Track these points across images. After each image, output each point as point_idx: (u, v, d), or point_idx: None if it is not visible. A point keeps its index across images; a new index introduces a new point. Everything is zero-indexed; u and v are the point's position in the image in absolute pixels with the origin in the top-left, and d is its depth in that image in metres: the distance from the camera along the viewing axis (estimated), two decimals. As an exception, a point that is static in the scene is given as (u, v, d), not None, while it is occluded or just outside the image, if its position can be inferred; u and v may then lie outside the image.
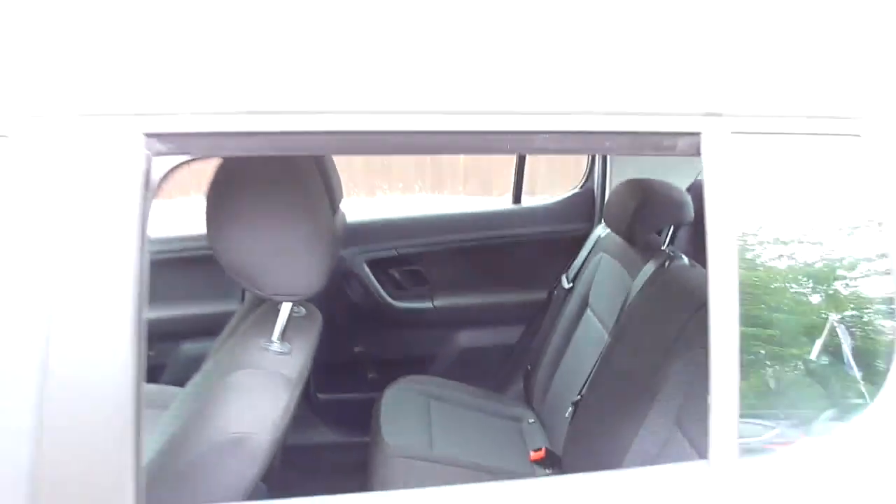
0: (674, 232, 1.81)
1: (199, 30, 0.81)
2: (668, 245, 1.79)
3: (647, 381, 1.36)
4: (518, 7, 0.85)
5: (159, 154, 0.78)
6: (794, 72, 0.89)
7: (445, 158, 4.44)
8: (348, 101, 0.79)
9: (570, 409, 1.74)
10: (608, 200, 1.98)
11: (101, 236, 0.74)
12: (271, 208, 0.98)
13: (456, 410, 1.99)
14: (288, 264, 0.99)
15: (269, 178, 0.98)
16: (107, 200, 0.75)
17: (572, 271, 2.10)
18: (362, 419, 1.93)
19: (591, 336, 1.87)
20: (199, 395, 1.01)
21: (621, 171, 2.18)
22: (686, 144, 0.83)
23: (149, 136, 0.77)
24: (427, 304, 2.27)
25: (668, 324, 1.41)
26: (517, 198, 2.36)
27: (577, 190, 2.37)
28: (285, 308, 1.04)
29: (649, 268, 1.70)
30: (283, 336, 1.06)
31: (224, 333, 1.35)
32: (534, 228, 2.33)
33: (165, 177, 0.80)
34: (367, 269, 2.21)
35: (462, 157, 4.33)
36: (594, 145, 0.87)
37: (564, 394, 1.85)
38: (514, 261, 2.29)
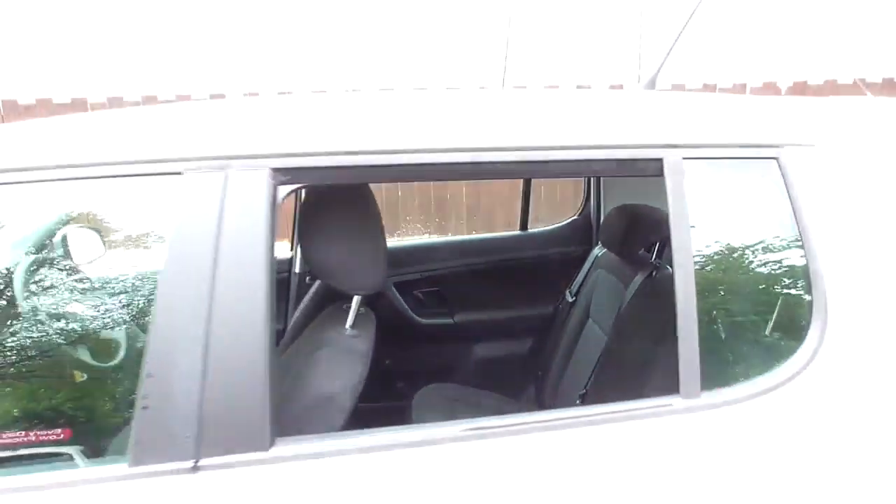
0: (661, 247, 2.13)
1: (306, 103, 1.15)
2: (655, 258, 2.10)
3: (640, 372, 1.66)
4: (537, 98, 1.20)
5: (281, 183, 1.11)
6: (728, 114, 1.24)
7: (451, 201, 4.80)
8: (409, 143, 1.13)
9: (578, 401, 2.04)
10: (602, 224, 2.30)
11: (245, 242, 1.07)
12: (348, 224, 1.31)
13: (477, 413, 2.28)
14: (360, 266, 1.32)
15: (346, 201, 1.31)
16: (248, 215, 1.08)
17: (574, 286, 2.41)
18: (394, 424, 2.22)
19: (593, 341, 2.17)
20: (295, 365, 1.33)
21: (611, 200, 2.51)
22: (653, 167, 1.16)
23: (274, 170, 1.10)
24: (448, 321, 2.57)
25: (654, 323, 1.72)
26: (524, 225, 2.69)
27: (575, 217, 2.70)
28: (356, 300, 1.37)
29: (639, 278, 2.01)
30: (353, 325, 1.38)
31: (296, 324, 1.66)
32: (539, 251, 2.65)
33: (284, 199, 1.13)
34: (394, 290, 2.53)
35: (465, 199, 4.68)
36: (589, 169, 1.20)
37: (572, 391, 2.14)
38: (523, 280, 2.60)
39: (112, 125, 1.15)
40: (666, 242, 2.14)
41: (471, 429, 1.08)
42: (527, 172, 1.30)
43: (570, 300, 2.40)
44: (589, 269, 2.39)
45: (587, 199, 2.66)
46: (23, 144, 1.11)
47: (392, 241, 2.63)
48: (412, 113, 1.18)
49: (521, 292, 2.58)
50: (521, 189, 2.74)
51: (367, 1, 9.26)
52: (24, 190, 1.10)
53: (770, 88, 9.51)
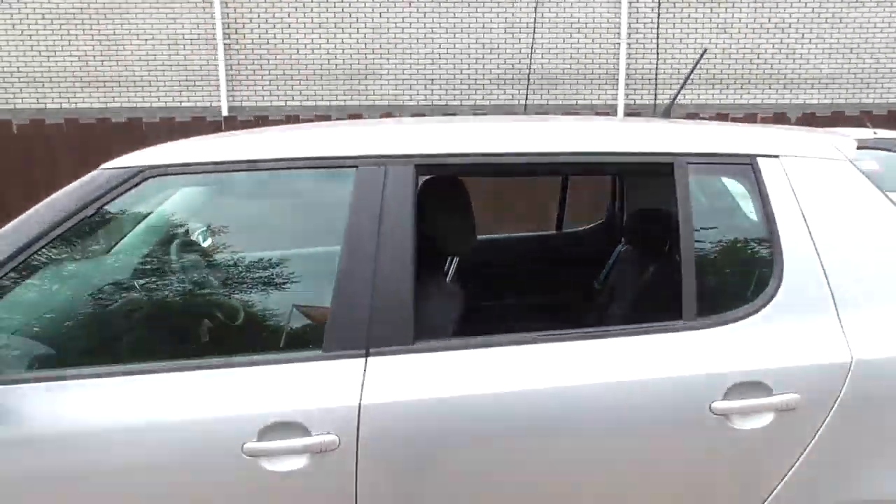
0: (670, 239, 2.68)
1: (433, 122, 1.74)
2: (668, 250, 2.66)
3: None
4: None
5: (420, 174, 1.70)
6: (718, 134, 1.81)
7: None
8: (505, 148, 1.71)
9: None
10: (625, 226, 2.87)
11: (398, 210, 1.65)
12: (452, 205, 1.89)
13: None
14: (459, 234, 1.90)
15: (450, 190, 1.89)
16: (400, 194, 1.66)
17: (602, 277, 2.97)
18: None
19: (615, 319, 2.71)
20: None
21: (632, 206, 3.07)
22: (666, 169, 1.74)
23: (417, 165, 1.69)
24: (498, 302, 3.13)
25: (663, 295, 2.26)
26: (559, 226, 3.26)
27: (602, 221, 3.26)
28: (455, 261, 1.94)
29: (653, 268, 2.56)
30: (451, 279, 1.96)
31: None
32: (573, 248, 3.21)
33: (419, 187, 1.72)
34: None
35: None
36: (626, 169, 1.78)
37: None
38: (558, 271, 3.16)
39: (316, 134, 1.74)
40: (674, 235, 2.70)
41: (540, 336, 1.65)
42: (588, 170, 1.91)
43: (598, 288, 2.96)
44: (614, 263, 2.94)
45: (612, 206, 3.22)
46: (266, 145, 1.72)
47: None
48: (505, 128, 1.77)
49: (556, 281, 3.13)
50: (558, 196, 3.30)
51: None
52: (263, 176, 1.70)
53: (781, 118, 10.04)
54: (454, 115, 9.64)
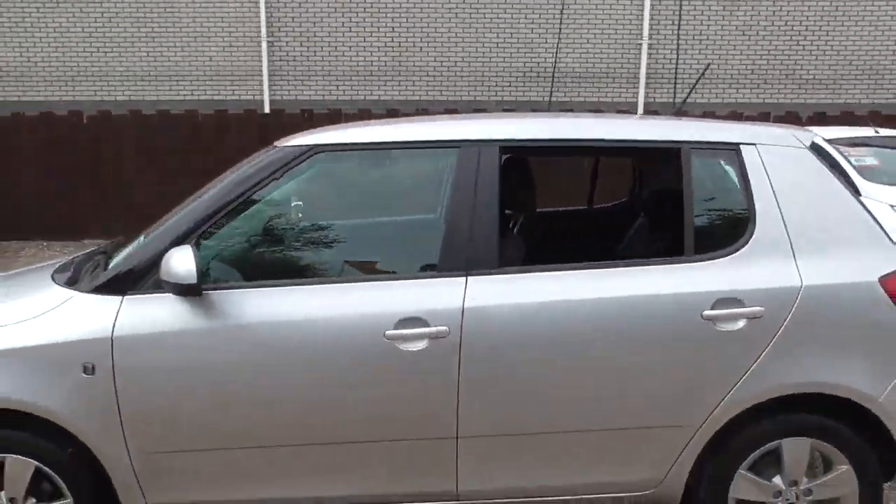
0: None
1: (511, 116, 2.50)
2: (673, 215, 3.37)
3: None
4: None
5: (503, 153, 2.45)
6: (713, 127, 2.55)
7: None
8: (555, 136, 2.47)
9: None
10: (643, 204, 3.58)
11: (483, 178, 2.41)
12: (526, 177, 2.65)
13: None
14: (525, 198, 2.67)
15: (522, 165, 2.65)
16: (489, 166, 2.42)
17: (623, 245, 3.69)
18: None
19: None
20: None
21: (647, 188, 3.79)
22: (675, 153, 2.48)
23: (501, 148, 2.44)
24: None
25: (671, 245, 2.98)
26: (590, 202, 3.99)
27: (627, 198, 3.98)
28: (521, 219, 2.70)
29: (668, 234, 3.28)
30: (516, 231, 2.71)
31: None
32: (602, 221, 3.92)
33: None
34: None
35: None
36: (644, 152, 2.52)
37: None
38: (589, 239, 3.87)
39: (430, 124, 2.51)
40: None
41: (581, 265, 2.41)
42: (619, 153, 2.69)
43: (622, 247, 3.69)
44: (633, 234, 3.66)
45: (633, 187, 3.93)
46: (399, 131, 2.48)
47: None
48: (559, 121, 2.52)
49: (586, 247, 3.84)
50: (589, 178, 4.02)
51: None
52: (398, 152, 2.48)
53: (793, 118, 10.67)
54: (511, 110, 10.42)
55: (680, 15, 12.28)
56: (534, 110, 12.01)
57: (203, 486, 2.47)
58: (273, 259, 2.59)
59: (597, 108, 12.30)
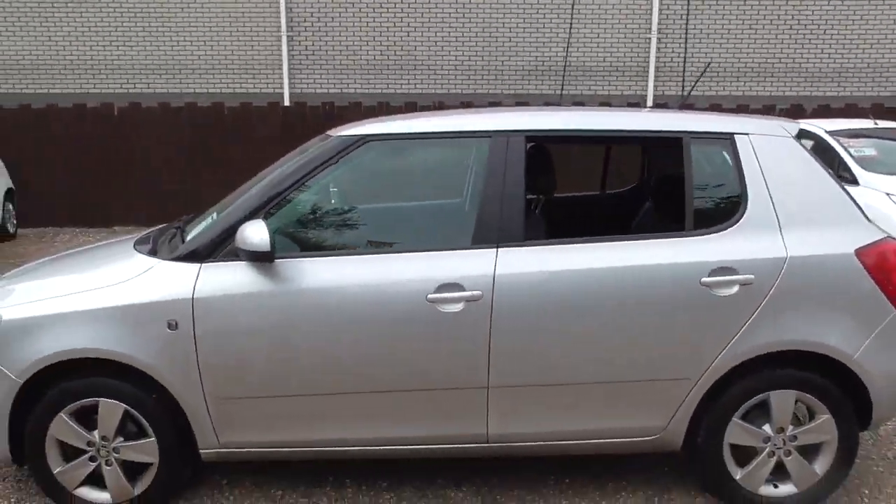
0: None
1: (533, 110, 2.87)
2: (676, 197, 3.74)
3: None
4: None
5: (528, 142, 2.83)
6: (711, 119, 2.92)
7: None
8: (572, 126, 2.85)
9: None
10: (653, 189, 3.95)
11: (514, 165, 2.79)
12: (547, 162, 3.03)
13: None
14: (546, 181, 3.04)
15: (544, 154, 3.03)
16: (516, 155, 2.80)
17: (633, 225, 4.06)
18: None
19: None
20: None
21: (656, 175, 4.15)
22: (676, 142, 2.85)
23: (526, 137, 2.82)
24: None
25: (674, 221, 3.36)
26: (602, 187, 4.36)
27: (636, 184, 4.34)
28: (541, 200, 3.07)
29: (671, 212, 3.65)
30: (537, 211, 3.09)
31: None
32: (614, 204, 4.29)
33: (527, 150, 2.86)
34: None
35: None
36: (650, 142, 2.88)
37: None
38: (603, 221, 4.24)
39: (466, 116, 2.88)
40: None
41: (595, 238, 2.78)
42: (630, 142, 3.06)
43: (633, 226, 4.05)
44: (642, 216, 4.03)
45: (642, 175, 4.29)
46: (437, 123, 2.87)
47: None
48: (576, 113, 2.89)
49: (599, 224, 4.19)
50: (601, 164, 4.39)
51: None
52: (437, 141, 2.86)
53: (798, 111, 10.96)
54: (525, 103, 10.73)
55: (688, 9, 12.56)
56: (547, 103, 12.37)
57: (267, 428, 2.86)
58: (330, 233, 3.00)
59: (607, 101, 12.64)
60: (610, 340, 2.78)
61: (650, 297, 2.75)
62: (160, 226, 3.71)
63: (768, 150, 2.87)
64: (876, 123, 7.81)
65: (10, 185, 9.75)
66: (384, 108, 10.56)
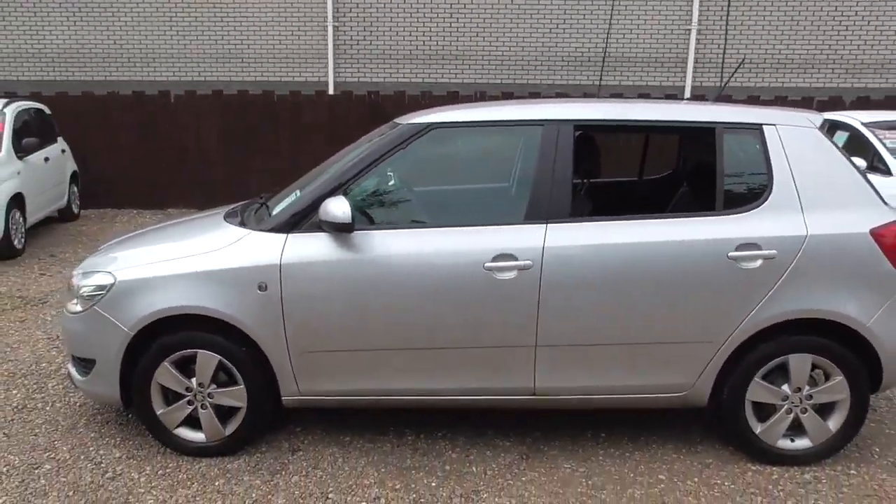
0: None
1: (570, 101, 3.23)
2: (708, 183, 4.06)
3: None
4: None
5: (578, 131, 3.20)
6: (742, 111, 3.24)
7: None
8: (616, 117, 3.20)
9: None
10: (687, 175, 4.27)
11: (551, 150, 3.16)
12: (592, 149, 3.39)
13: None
14: (591, 165, 3.40)
15: (592, 140, 3.39)
16: (564, 141, 3.16)
17: (668, 208, 4.39)
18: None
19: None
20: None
21: (691, 161, 4.47)
22: (710, 132, 3.19)
23: (574, 126, 3.18)
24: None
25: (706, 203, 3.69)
26: (641, 172, 4.69)
27: (672, 171, 4.66)
28: (586, 183, 3.43)
29: (703, 194, 3.98)
30: (582, 193, 3.45)
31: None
32: (650, 189, 4.62)
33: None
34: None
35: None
36: (684, 132, 3.22)
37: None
38: (641, 203, 4.56)
39: (519, 107, 3.25)
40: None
41: (637, 216, 3.14)
42: (669, 132, 3.41)
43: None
44: (678, 198, 4.36)
45: (678, 160, 4.61)
46: (496, 112, 3.25)
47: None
48: (619, 104, 3.24)
49: (638, 208, 4.52)
50: (640, 153, 4.72)
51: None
52: (496, 129, 3.25)
53: (837, 102, 11.06)
54: (564, 94, 10.99)
55: (729, 2, 12.68)
56: (585, 94, 12.63)
57: (342, 378, 3.29)
58: (400, 209, 3.41)
59: (645, 93, 12.84)
60: (645, 306, 3.14)
61: (682, 268, 3.10)
62: (244, 202, 4.16)
63: (793, 139, 3.19)
64: (911, 115, 7.94)
65: (76, 168, 10.36)
66: (427, 98, 10.93)
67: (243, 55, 13.04)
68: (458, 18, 13.02)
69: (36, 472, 3.29)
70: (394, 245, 3.17)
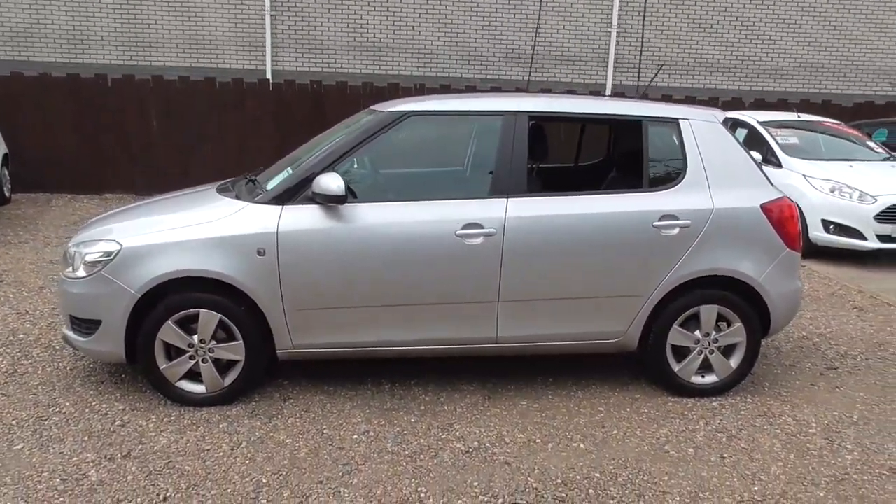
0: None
1: (538, 96, 3.86)
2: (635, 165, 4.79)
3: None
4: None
5: (532, 121, 3.83)
6: (661, 107, 3.96)
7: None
8: (564, 110, 3.85)
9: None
10: (616, 161, 4.99)
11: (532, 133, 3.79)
12: (542, 136, 4.03)
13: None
14: (540, 151, 4.05)
15: (543, 130, 4.03)
16: (525, 129, 3.79)
17: (604, 180, 5.09)
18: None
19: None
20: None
21: (621, 147, 5.19)
22: (636, 125, 3.89)
23: (529, 116, 3.81)
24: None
25: (633, 181, 4.41)
26: (577, 161, 5.38)
27: (603, 158, 5.37)
28: (536, 165, 4.07)
29: (632, 175, 4.70)
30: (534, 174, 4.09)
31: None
32: (586, 173, 5.31)
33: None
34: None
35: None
36: (616, 124, 3.91)
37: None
38: (577, 185, 5.25)
39: (488, 99, 3.85)
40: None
41: (576, 192, 3.80)
42: (603, 123, 4.09)
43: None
44: (611, 177, 5.06)
45: (608, 149, 5.32)
46: (470, 103, 3.84)
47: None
48: (564, 99, 3.90)
49: (580, 185, 5.18)
50: (576, 143, 5.41)
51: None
52: (464, 118, 3.85)
53: (737, 102, 12.19)
54: (498, 88, 11.60)
55: (645, 7, 13.70)
56: (518, 89, 13.39)
57: (329, 332, 3.80)
58: (382, 184, 3.95)
59: (571, 89, 13.72)
60: (587, 266, 3.80)
61: (617, 234, 3.79)
62: (230, 179, 4.59)
63: (702, 131, 3.93)
64: (799, 116, 9.06)
65: (6, 150, 10.22)
66: (369, 89, 11.40)
67: (179, 41, 13.10)
68: (394, 12, 13.50)
69: (46, 423, 3.64)
70: (378, 215, 3.71)
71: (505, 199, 3.77)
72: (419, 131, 4.01)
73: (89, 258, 3.72)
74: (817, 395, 4.18)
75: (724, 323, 4.01)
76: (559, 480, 3.19)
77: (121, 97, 10.97)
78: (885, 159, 8.08)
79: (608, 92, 13.98)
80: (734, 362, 4.03)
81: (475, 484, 3.15)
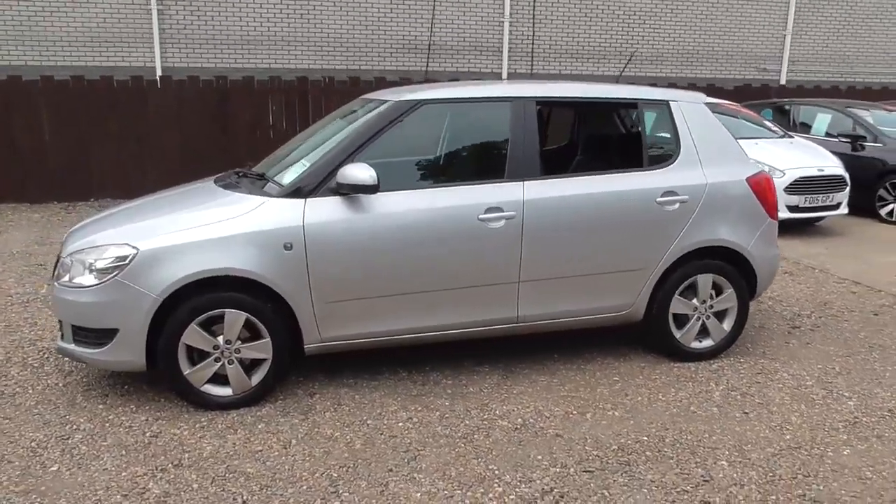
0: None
1: (526, 82, 4.01)
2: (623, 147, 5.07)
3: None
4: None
5: (538, 106, 3.98)
6: (651, 91, 4.24)
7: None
8: (549, 94, 4.04)
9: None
10: (581, 143, 5.24)
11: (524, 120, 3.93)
12: (547, 120, 4.19)
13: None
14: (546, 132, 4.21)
15: (545, 114, 4.19)
16: (531, 113, 3.93)
17: (609, 161, 5.34)
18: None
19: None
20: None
21: (583, 134, 5.45)
22: (629, 108, 4.14)
23: (537, 101, 3.96)
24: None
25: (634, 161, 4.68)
26: (543, 143, 5.58)
27: (568, 141, 5.61)
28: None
29: (634, 155, 4.97)
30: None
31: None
32: (551, 156, 5.53)
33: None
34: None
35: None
36: (599, 107, 4.16)
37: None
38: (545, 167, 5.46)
39: (497, 85, 3.95)
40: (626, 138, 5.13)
41: (584, 173, 4.01)
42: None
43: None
44: (574, 165, 5.32)
45: (572, 132, 5.57)
46: (479, 90, 3.93)
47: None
48: (566, 85, 4.09)
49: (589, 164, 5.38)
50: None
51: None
52: (478, 104, 3.96)
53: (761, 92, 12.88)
54: (395, 82, 11.59)
55: (536, -3, 14.21)
56: (427, 80, 13.48)
57: (357, 323, 3.78)
58: (403, 173, 3.95)
59: (467, 78, 13.99)
60: (599, 243, 4.02)
61: (624, 211, 4.03)
62: (223, 173, 4.42)
63: (691, 112, 4.25)
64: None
65: None
66: (276, 83, 11.09)
67: (54, 38, 12.11)
68: (288, 4, 13.17)
69: (69, 441, 3.38)
70: (401, 204, 3.73)
71: (521, 183, 3.89)
72: (432, 119, 4.05)
73: (100, 264, 3.48)
74: (797, 352, 4.64)
75: (714, 290, 4.36)
76: (615, 447, 3.38)
77: (8, 99, 10.00)
78: (781, 137, 8.93)
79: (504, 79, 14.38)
80: (727, 325, 4.40)
81: (539, 457, 3.28)
